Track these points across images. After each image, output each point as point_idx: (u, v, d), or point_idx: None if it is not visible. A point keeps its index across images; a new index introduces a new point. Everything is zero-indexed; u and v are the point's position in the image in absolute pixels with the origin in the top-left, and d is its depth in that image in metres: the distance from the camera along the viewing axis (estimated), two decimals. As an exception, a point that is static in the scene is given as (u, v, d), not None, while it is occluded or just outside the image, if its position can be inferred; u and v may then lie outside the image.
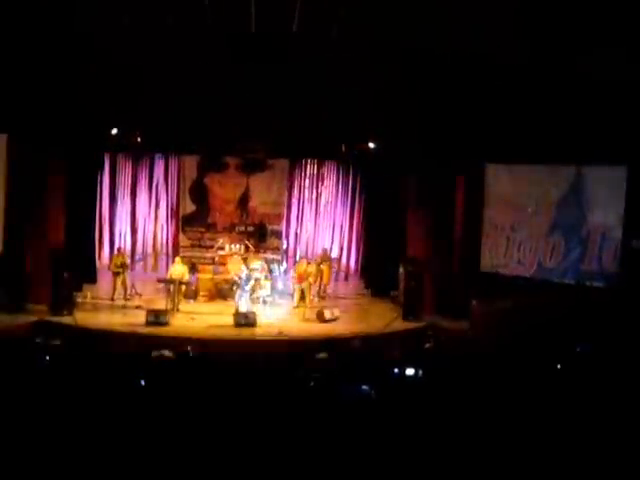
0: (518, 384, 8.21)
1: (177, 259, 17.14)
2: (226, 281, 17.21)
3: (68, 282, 15.48)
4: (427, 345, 13.74)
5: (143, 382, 8.07)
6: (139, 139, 16.95)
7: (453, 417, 6.78)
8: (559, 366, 9.66)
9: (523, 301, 14.52)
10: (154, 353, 11.60)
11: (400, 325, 15.72)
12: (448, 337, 14.88)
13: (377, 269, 18.64)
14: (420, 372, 8.76)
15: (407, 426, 6.32)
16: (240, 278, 16.05)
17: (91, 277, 18.12)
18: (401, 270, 16.58)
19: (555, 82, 13.54)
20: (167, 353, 11.69)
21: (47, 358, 10.51)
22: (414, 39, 12.49)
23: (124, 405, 7.06)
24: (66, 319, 14.96)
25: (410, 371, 8.83)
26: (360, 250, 20.43)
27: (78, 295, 16.37)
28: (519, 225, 15.32)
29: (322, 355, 12.09)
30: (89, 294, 17.08)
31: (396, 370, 9.04)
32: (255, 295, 16.63)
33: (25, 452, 5.85)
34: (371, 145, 16.60)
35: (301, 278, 16.79)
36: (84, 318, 15.22)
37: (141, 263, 20.10)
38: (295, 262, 19.13)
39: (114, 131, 15.91)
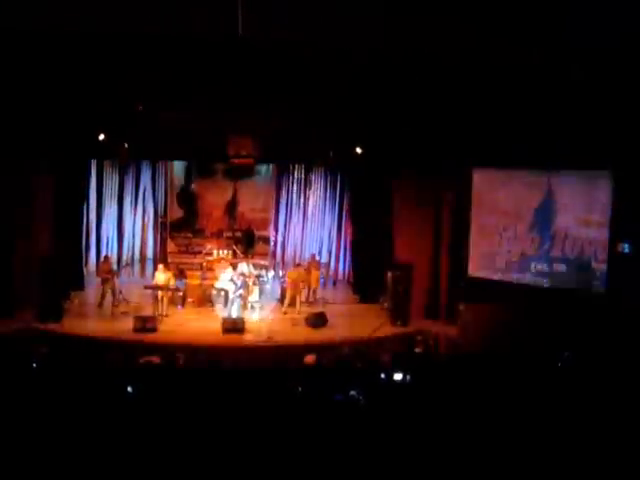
0: (506, 388, 8.24)
1: (160, 266, 17.03)
2: (214, 287, 17.19)
3: (56, 289, 15.42)
4: (416, 350, 13.81)
5: (130, 389, 8.05)
6: (126, 145, 16.89)
7: (441, 421, 6.80)
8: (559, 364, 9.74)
9: (511, 306, 14.60)
10: (142, 359, 11.60)
11: (388, 330, 15.74)
12: (436, 342, 14.95)
13: (365, 274, 18.65)
14: (408, 377, 8.77)
15: (396, 431, 6.33)
16: (235, 284, 16.07)
17: (78, 284, 18.06)
18: (389, 275, 16.60)
19: (538, 87, 13.63)
20: (155, 359, 11.69)
21: (34, 365, 10.47)
22: (398, 43, 12.49)
23: (111, 412, 7.04)
24: (54, 326, 14.91)
25: (398, 376, 8.84)
26: (348, 255, 20.44)
27: (66, 302, 16.29)
28: (507, 225, 15.94)
29: (310, 360, 12.11)
30: (77, 301, 17.02)
31: (383, 375, 9.05)
32: (243, 301, 16.63)
33: (12, 458, 5.83)
34: (358, 150, 16.61)
35: (294, 284, 16.80)
36: (72, 325, 15.17)
37: (128, 269, 20.02)
38: (283, 267, 19.13)
39: (101, 137, 15.84)
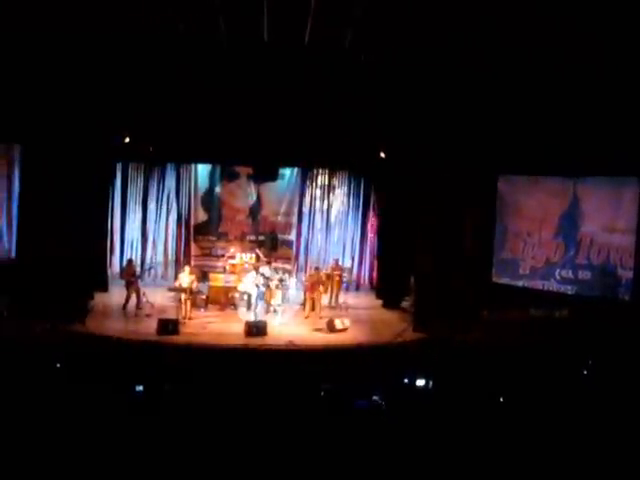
0: (530, 396, 8.18)
1: (186, 268, 17.14)
2: (237, 290, 17.22)
3: (80, 290, 15.52)
4: (437, 356, 13.71)
5: (140, 388, 8.07)
6: (151, 149, 16.99)
7: (463, 428, 6.75)
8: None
9: (534, 312, 14.50)
10: (164, 361, 11.68)
11: (410, 336, 15.66)
12: (459, 348, 14.84)
13: (388, 279, 18.60)
14: (430, 383, 8.73)
15: (418, 436, 6.30)
16: (258, 287, 16.13)
17: (103, 285, 18.21)
18: (412, 280, 16.52)
19: (564, 94, 13.56)
20: (178, 361, 11.75)
21: (58, 365, 10.55)
22: (428, 48, 12.48)
23: (133, 410, 7.08)
24: (78, 327, 15.01)
25: (420, 382, 8.80)
26: (371, 260, 20.40)
27: (90, 303, 16.39)
28: (531, 231, 15.95)
29: (332, 365, 12.10)
30: (101, 302, 17.13)
31: (406, 381, 9.02)
32: (266, 304, 16.67)
33: (34, 455, 5.88)
34: (382, 155, 16.56)
35: (313, 288, 16.80)
36: (95, 326, 15.25)
37: (152, 272, 20.11)
38: (306, 271, 19.13)
39: (126, 140, 15.95)
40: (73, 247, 16.34)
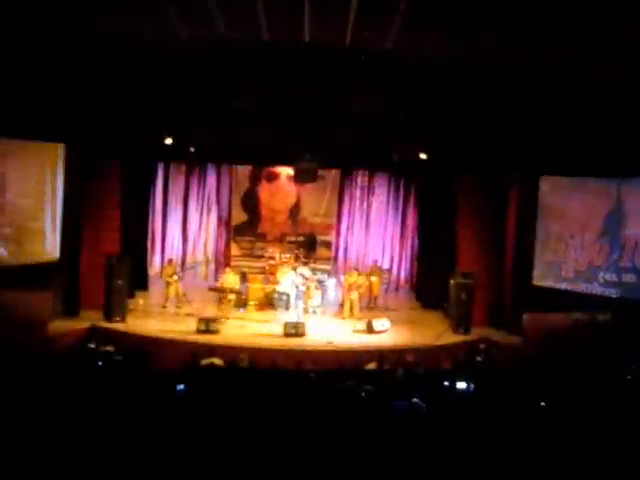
0: (571, 400, 8.06)
1: (228, 269, 17.28)
2: (276, 291, 17.27)
3: (121, 289, 15.69)
4: (478, 358, 13.60)
5: (184, 387, 8.10)
6: (192, 149, 17.11)
7: (503, 431, 6.68)
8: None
9: (576, 316, 14.29)
10: (204, 361, 11.73)
11: (450, 338, 15.56)
12: (499, 351, 14.70)
13: (428, 281, 18.52)
14: (472, 386, 8.64)
15: (458, 439, 6.24)
16: (296, 287, 16.17)
17: (143, 284, 18.41)
18: (452, 282, 16.42)
19: (607, 95, 13.33)
20: (217, 361, 11.80)
21: (100, 363, 10.68)
22: (469, 48, 12.36)
23: (172, 409, 7.12)
24: (119, 325, 15.18)
25: (461, 385, 8.72)
26: (411, 262, 20.31)
27: (131, 302, 16.57)
28: (574, 233, 15.70)
29: (372, 366, 12.07)
30: (141, 301, 17.30)
31: (447, 383, 8.95)
32: (305, 305, 16.69)
33: (74, 452, 5.94)
34: (423, 156, 16.46)
35: (351, 289, 16.79)
36: (136, 325, 15.42)
37: (192, 271, 20.25)
38: (345, 272, 19.10)
39: (168, 141, 16.07)
40: (115, 246, 16.57)
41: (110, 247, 16.43)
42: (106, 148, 15.72)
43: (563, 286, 15.75)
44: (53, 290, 14.74)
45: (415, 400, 7.15)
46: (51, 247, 15.58)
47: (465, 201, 16.97)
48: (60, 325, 14.69)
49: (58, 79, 13.69)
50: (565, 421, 7.21)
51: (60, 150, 15.49)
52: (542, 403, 7.91)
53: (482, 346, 14.55)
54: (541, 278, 16.08)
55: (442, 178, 17.51)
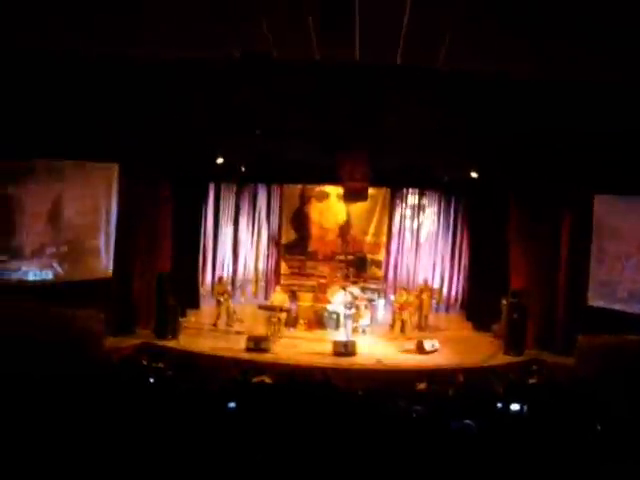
0: (626, 425, 7.87)
1: (278, 287, 17.37)
2: (326, 309, 17.28)
3: (173, 307, 15.86)
4: (531, 380, 13.37)
5: (234, 405, 8.12)
6: (243, 169, 17.27)
7: (558, 455, 6.55)
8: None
9: (633, 338, 13.96)
10: (254, 379, 11.75)
11: (502, 359, 15.37)
12: (552, 373, 14.45)
13: (479, 301, 18.32)
14: (525, 408, 8.50)
15: (513, 463, 6.14)
16: (345, 307, 16.17)
17: (194, 302, 18.58)
18: (504, 302, 16.22)
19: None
20: (267, 379, 11.81)
21: (152, 379, 10.77)
22: (521, 66, 12.27)
23: (221, 427, 7.14)
24: (170, 342, 15.34)
25: (515, 406, 8.58)
26: (462, 281, 20.13)
27: (182, 320, 16.73)
28: (630, 253, 15.37)
29: (422, 387, 11.95)
30: (193, 319, 17.48)
31: (500, 405, 8.81)
32: (355, 324, 16.66)
33: (126, 466, 5.99)
34: (474, 175, 16.35)
35: (401, 308, 16.70)
36: (187, 342, 15.57)
37: (242, 290, 20.37)
38: (395, 292, 19.03)
39: (219, 161, 16.26)
40: (167, 265, 16.78)
41: (162, 265, 16.64)
42: (159, 168, 15.96)
43: (617, 307, 15.42)
44: (106, 307, 14.95)
45: (467, 421, 7.05)
46: (105, 264, 15.84)
47: (517, 220, 16.77)
48: (113, 342, 14.88)
49: (113, 101, 13.99)
50: (621, 445, 7.04)
51: (114, 170, 15.77)
52: (598, 427, 7.74)
53: (534, 367, 14.32)
54: (594, 298, 15.78)
55: (493, 197, 17.34)
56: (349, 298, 16.65)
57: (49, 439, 6.42)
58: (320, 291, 18.62)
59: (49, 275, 14.86)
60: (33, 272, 14.60)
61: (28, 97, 13.01)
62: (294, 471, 5.97)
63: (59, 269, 15.01)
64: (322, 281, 19.17)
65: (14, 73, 12.56)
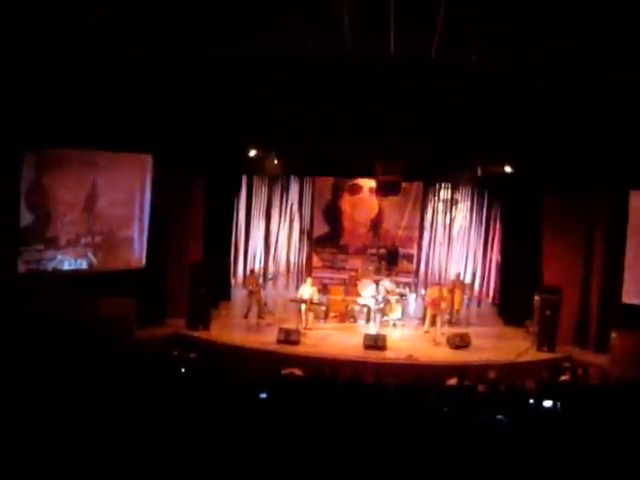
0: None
1: (308, 280, 17.35)
2: (357, 303, 17.25)
3: (205, 298, 15.94)
4: (563, 377, 13.24)
5: (265, 395, 8.16)
6: (275, 161, 17.28)
7: (591, 454, 6.48)
8: None
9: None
10: (284, 371, 11.79)
11: (534, 355, 15.23)
12: (585, 370, 14.31)
13: (512, 297, 18.14)
14: (558, 405, 8.42)
15: (544, 459, 6.09)
16: (376, 300, 16.13)
17: (226, 294, 18.68)
18: (537, 298, 16.07)
19: None
20: (297, 372, 11.84)
21: (183, 370, 10.85)
22: (560, 60, 12.14)
23: (251, 417, 7.17)
24: (202, 334, 15.43)
25: (548, 403, 8.51)
26: (494, 277, 19.96)
27: (214, 311, 16.82)
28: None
29: (452, 382, 11.89)
30: (224, 310, 17.56)
31: (532, 401, 8.75)
32: (385, 318, 16.62)
33: (157, 458, 6.05)
34: (508, 169, 16.19)
35: (434, 303, 16.59)
36: (219, 333, 15.64)
37: (273, 282, 20.41)
38: (426, 286, 18.94)
39: (252, 153, 16.29)
40: (200, 256, 16.86)
41: (194, 257, 16.72)
42: (192, 159, 16.02)
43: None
44: (139, 297, 15.07)
45: (499, 417, 7.01)
46: (138, 255, 15.97)
47: (551, 215, 16.58)
48: (145, 332, 15.00)
49: (146, 91, 14.09)
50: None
51: (148, 161, 15.87)
52: (629, 426, 7.65)
53: (567, 364, 14.16)
54: (629, 295, 15.56)
55: (527, 192, 17.14)
56: (381, 291, 16.58)
57: (81, 427, 6.50)
58: (351, 284, 18.61)
59: (83, 265, 15.01)
60: (68, 261, 14.76)
61: (62, 87, 13.14)
62: (323, 460, 5.99)
63: (93, 259, 15.17)
64: (353, 274, 19.15)
65: (48, 64, 12.68)
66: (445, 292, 17.10)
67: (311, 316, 16.53)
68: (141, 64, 13.30)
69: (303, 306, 16.34)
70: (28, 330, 11.24)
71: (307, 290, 16.60)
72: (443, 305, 16.73)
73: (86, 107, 13.61)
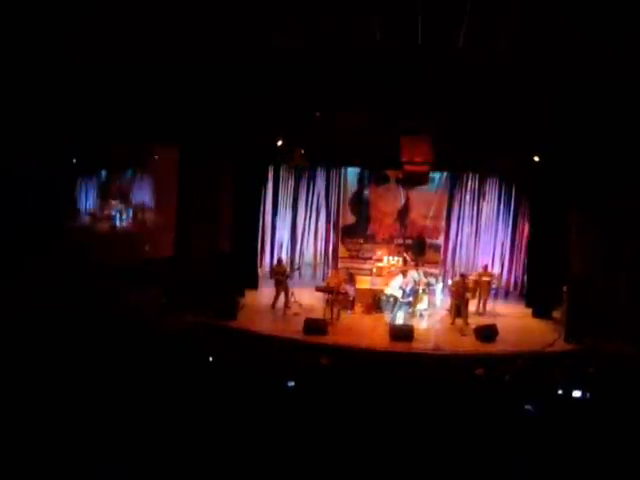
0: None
1: (335, 270, 17.38)
2: (383, 293, 17.25)
3: (232, 287, 16.03)
4: (590, 368, 13.16)
5: (291, 383, 8.21)
6: (302, 152, 17.30)
7: (620, 444, 6.46)
8: None
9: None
10: (310, 360, 11.84)
11: (561, 346, 15.14)
12: (613, 361, 14.20)
13: (539, 287, 18.05)
14: (587, 395, 8.39)
15: (574, 449, 6.08)
16: (403, 291, 16.11)
17: (253, 283, 18.76)
18: (564, 289, 15.96)
19: None
20: (324, 361, 11.88)
21: (210, 358, 10.95)
22: (588, 52, 12.01)
23: (278, 406, 7.23)
24: (229, 322, 15.51)
25: (577, 393, 8.48)
26: (521, 267, 19.84)
27: (241, 300, 16.90)
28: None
29: (479, 372, 11.87)
30: (251, 300, 17.64)
31: (560, 391, 8.72)
32: (412, 308, 16.61)
33: (185, 446, 6.12)
34: (536, 159, 16.07)
35: (459, 294, 16.55)
36: (245, 322, 15.71)
37: (300, 272, 20.46)
38: (453, 276, 18.88)
39: (279, 143, 16.33)
40: (227, 245, 16.97)
41: (222, 246, 16.83)
42: (219, 149, 16.09)
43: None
44: (166, 286, 15.18)
45: (527, 407, 7.01)
46: (166, 244, 16.10)
47: (579, 205, 16.46)
48: (172, 320, 15.11)
49: (174, 83, 14.17)
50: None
51: (175, 151, 15.96)
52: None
53: (594, 356, 14.07)
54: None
55: (555, 182, 17.02)
56: (408, 282, 16.55)
57: (114, 413, 6.60)
58: (378, 274, 18.62)
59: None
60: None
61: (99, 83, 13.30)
62: (349, 448, 6.02)
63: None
64: (380, 264, 19.15)
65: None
66: (470, 282, 17.06)
67: (338, 306, 16.54)
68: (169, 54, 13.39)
69: (330, 296, 16.35)
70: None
71: (333, 280, 16.66)
72: (469, 295, 16.69)
73: (113, 101, 13.74)
